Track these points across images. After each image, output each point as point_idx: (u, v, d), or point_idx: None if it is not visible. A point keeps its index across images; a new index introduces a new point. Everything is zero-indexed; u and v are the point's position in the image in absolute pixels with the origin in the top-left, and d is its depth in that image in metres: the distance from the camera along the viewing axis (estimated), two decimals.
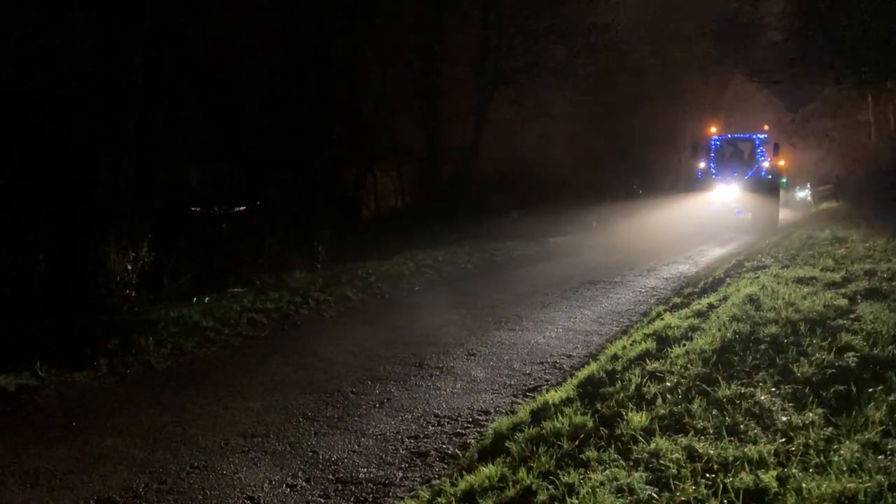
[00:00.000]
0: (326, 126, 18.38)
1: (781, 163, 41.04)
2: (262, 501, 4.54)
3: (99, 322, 9.32)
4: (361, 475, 4.87)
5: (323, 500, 4.54)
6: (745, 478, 3.86)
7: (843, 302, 8.17)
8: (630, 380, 5.88)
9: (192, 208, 16.49)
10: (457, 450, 5.26)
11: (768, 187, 25.36)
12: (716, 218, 25.23)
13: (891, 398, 4.87)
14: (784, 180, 41.70)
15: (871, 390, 5.11)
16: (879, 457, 4.03)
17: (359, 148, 19.90)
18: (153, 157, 12.87)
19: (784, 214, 31.06)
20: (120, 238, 11.50)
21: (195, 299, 10.80)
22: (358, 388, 6.81)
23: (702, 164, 27.20)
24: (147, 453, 5.31)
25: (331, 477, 4.85)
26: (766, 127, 28.67)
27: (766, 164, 26.17)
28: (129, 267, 11.29)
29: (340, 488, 4.69)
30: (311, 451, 5.29)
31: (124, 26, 11.81)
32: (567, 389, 5.94)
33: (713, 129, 27.65)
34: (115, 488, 4.76)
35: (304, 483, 4.77)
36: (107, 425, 5.92)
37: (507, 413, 5.94)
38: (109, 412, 6.25)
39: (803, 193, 41.48)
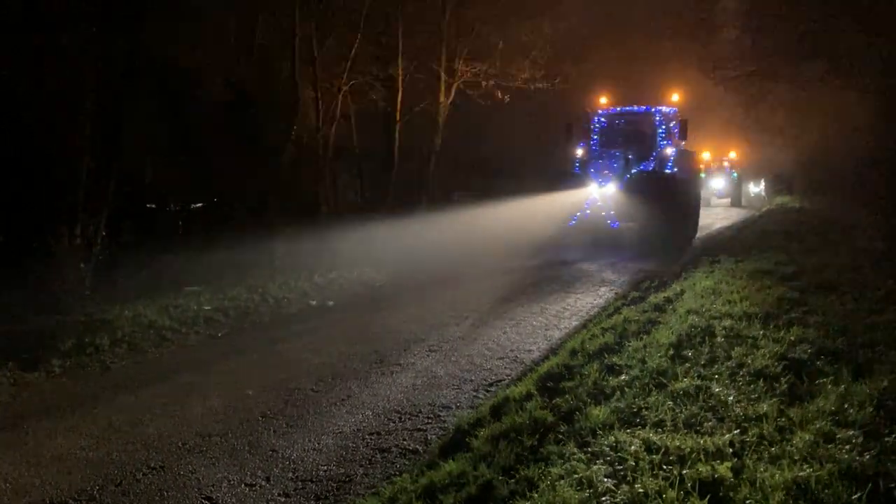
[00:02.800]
0: (285, 123, 18.23)
1: (736, 158, 40.03)
2: (220, 501, 4.48)
3: (52, 321, 9.12)
4: (322, 473, 4.83)
5: (283, 499, 4.50)
6: (702, 469, 3.92)
7: (796, 295, 8.36)
8: (589, 374, 5.94)
9: (148, 205, 16.23)
10: (418, 446, 5.26)
11: (672, 186, 17.33)
12: (581, 231, 17.80)
13: (841, 388, 4.99)
14: (735, 174, 37.80)
15: (822, 381, 5.23)
16: (830, 446, 4.12)
17: (318, 144, 19.72)
18: (108, 152, 12.61)
19: (734, 214, 29.80)
20: (73, 235, 11.27)
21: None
22: (318, 385, 6.76)
23: (579, 151, 19.46)
24: (102, 455, 5.21)
25: (290, 475, 4.81)
26: (675, 96, 19.96)
27: (669, 151, 18.62)
28: (83, 265, 11.07)
29: (300, 486, 4.65)
30: (270, 450, 5.23)
31: (73, 20, 11.59)
32: (527, 384, 5.97)
33: (603, 101, 19.80)
34: (68, 491, 4.65)
35: (263, 482, 4.72)
36: (60, 427, 5.79)
37: (468, 408, 5.95)
38: (63, 413, 6.12)
39: (758, 188, 42.00)
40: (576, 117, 19.50)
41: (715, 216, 26.12)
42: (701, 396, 5.11)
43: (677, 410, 4.88)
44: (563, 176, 18.58)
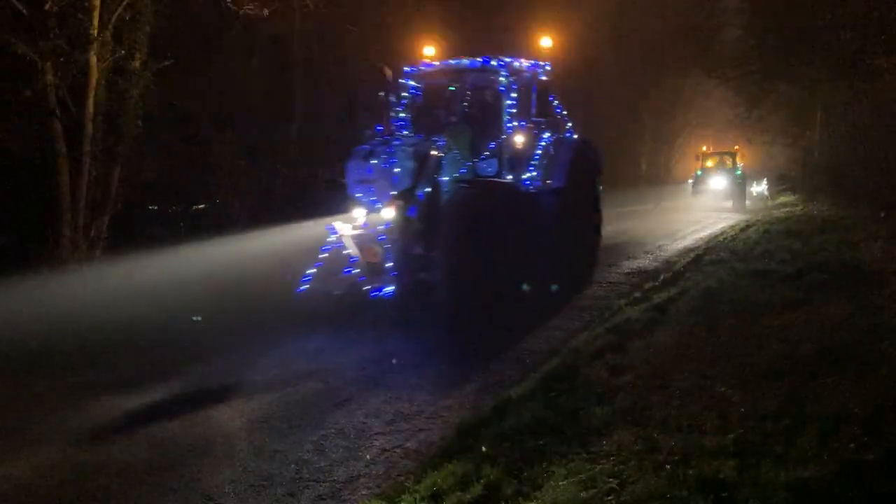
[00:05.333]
0: (283, 123, 18.27)
1: (740, 153, 33.31)
2: (223, 502, 4.49)
3: (54, 324, 9.13)
4: (325, 474, 4.84)
5: (286, 499, 4.50)
6: (705, 468, 3.92)
7: (799, 294, 8.35)
8: (592, 373, 5.94)
9: (150, 207, 16.25)
10: (421, 447, 5.25)
11: (525, 208, 10.09)
12: (320, 301, 9.11)
13: (844, 387, 4.99)
14: (739, 172, 31.03)
15: (826, 380, 5.23)
16: (835, 445, 4.12)
17: (318, 145, 19.60)
18: (109, 156, 12.67)
19: (730, 214, 26.36)
20: (75, 238, 11.32)
21: None
22: (320, 386, 6.75)
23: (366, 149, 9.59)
24: (103, 458, 5.21)
25: (294, 476, 4.81)
26: (545, 41, 11.73)
27: (520, 141, 10.49)
28: (85, 267, 11.11)
29: (303, 487, 4.65)
30: (273, 451, 5.23)
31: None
32: (530, 384, 5.98)
33: (430, 51, 11.56)
34: (73, 492, 4.67)
35: (265, 483, 4.72)
36: (61, 427, 5.80)
37: (470, 408, 5.95)
38: (68, 417, 6.12)
39: (761, 188, 41.65)
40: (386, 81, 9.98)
41: (717, 217, 25.87)
42: (704, 396, 5.11)
43: (680, 410, 4.88)
44: (333, 188, 10.36)
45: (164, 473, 4.90)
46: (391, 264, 8.66)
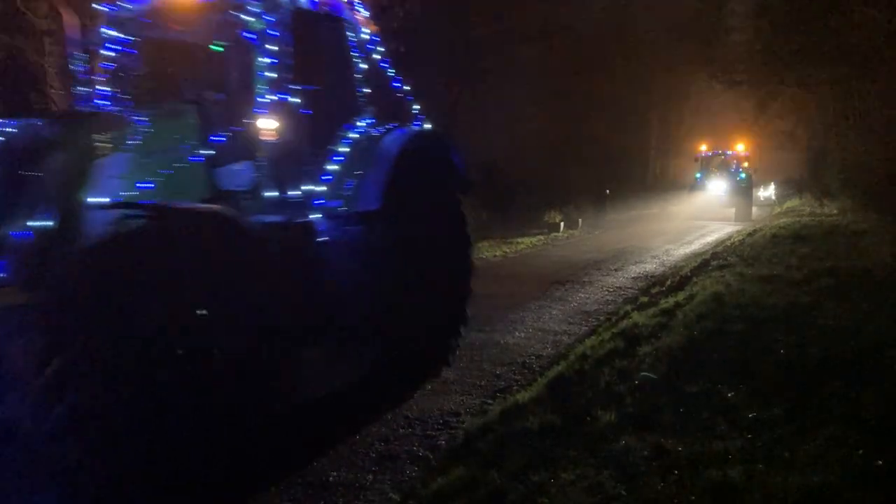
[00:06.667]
0: None
1: (746, 154, 28.90)
2: None
3: None
4: (332, 479, 4.82)
5: None
6: (713, 474, 3.90)
7: (807, 299, 8.32)
8: (599, 378, 5.93)
9: None
10: (427, 452, 5.24)
11: (276, 245, 4.95)
12: None
13: (852, 392, 4.97)
14: (743, 175, 27.89)
15: (835, 385, 5.20)
16: (842, 450, 4.10)
17: None
18: None
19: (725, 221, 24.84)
20: None
21: None
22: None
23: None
24: None
25: (300, 481, 4.80)
26: None
27: (267, 127, 5.42)
28: None
29: (311, 493, 4.64)
30: (278, 456, 5.22)
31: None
32: (537, 389, 5.96)
33: None
34: None
35: (273, 489, 4.71)
36: None
37: (477, 414, 5.93)
38: None
39: (768, 192, 41.33)
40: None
41: (724, 222, 25.62)
42: (711, 401, 5.09)
43: (687, 414, 4.86)
44: None
45: None
46: None
